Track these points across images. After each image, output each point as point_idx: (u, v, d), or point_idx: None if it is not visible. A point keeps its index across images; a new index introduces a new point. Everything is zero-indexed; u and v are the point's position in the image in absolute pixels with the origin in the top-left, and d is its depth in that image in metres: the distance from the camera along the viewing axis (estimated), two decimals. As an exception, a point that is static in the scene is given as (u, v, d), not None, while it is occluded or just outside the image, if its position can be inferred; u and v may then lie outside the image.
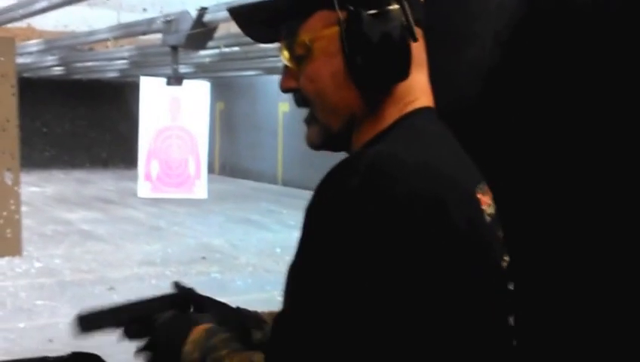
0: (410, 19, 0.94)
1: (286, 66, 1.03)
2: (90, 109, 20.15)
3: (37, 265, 8.09)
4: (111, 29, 9.62)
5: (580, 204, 1.20)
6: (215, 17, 7.41)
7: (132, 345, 1.16)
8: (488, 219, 0.93)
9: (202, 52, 10.03)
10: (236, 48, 10.31)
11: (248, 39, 1.11)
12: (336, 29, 0.95)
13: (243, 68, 12.79)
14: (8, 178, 6.53)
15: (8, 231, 6.68)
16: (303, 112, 1.05)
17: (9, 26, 9.90)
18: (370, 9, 0.93)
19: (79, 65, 14.29)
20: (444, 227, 0.85)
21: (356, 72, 0.94)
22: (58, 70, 15.28)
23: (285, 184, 16.11)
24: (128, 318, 1.17)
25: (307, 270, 0.86)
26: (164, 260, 8.47)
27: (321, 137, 1.02)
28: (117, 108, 20.25)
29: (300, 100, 1.03)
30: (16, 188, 6.64)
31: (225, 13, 6.56)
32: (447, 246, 0.85)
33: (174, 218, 11.43)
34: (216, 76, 15.05)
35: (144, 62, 12.23)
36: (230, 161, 18.51)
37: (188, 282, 1.26)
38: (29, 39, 11.89)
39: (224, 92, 17.69)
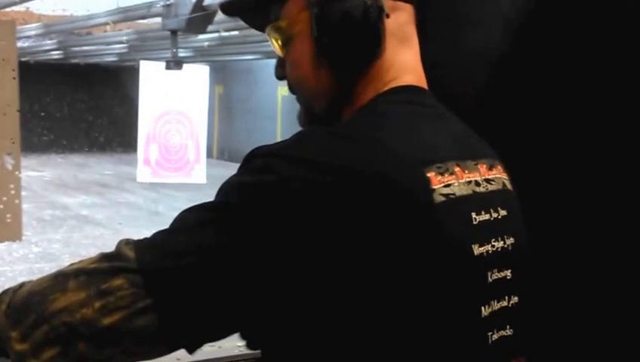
0: None
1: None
2: (88, 93, 20.10)
3: (35, 249, 8.11)
4: (110, 12, 9.59)
5: (593, 196, 1.20)
6: (214, 1, 7.39)
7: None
8: (441, 199, 0.86)
9: (201, 36, 10.00)
10: (235, 32, 10.28)
11: (247, 23, 1.11)
12: (307, 13, 0.94)
13: (242, 52, 12.75)
14: (9, 163, 6.51)
15: (8, 215, 6.66)
16: (299, 97, 1.05)
17: (8, 9, 9.88)
18: None
19: (78, 49, 14.25)
20: (378, 199, 0.81)
21: (324, 53, 0.93)
22: (56, 54, 15.24)
23: (284, 169, 16.05)
24: None
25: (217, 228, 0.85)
26: (163, 245, 8.46)
27: (307, 120, 1.02)
28: (115, 92, 20.20)
29: (290, 87, 1.02)
30: (16, 172, 6.62)
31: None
32: (374, 221, 0.80)
33: (173, 202, 11.41)
34: (215, 60, 15.00)
35: (142, 47, 12.19)
36: (229, 145, 18.49)
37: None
38: (27, 23, 11.85)
39: (223, 76, 17.65)
